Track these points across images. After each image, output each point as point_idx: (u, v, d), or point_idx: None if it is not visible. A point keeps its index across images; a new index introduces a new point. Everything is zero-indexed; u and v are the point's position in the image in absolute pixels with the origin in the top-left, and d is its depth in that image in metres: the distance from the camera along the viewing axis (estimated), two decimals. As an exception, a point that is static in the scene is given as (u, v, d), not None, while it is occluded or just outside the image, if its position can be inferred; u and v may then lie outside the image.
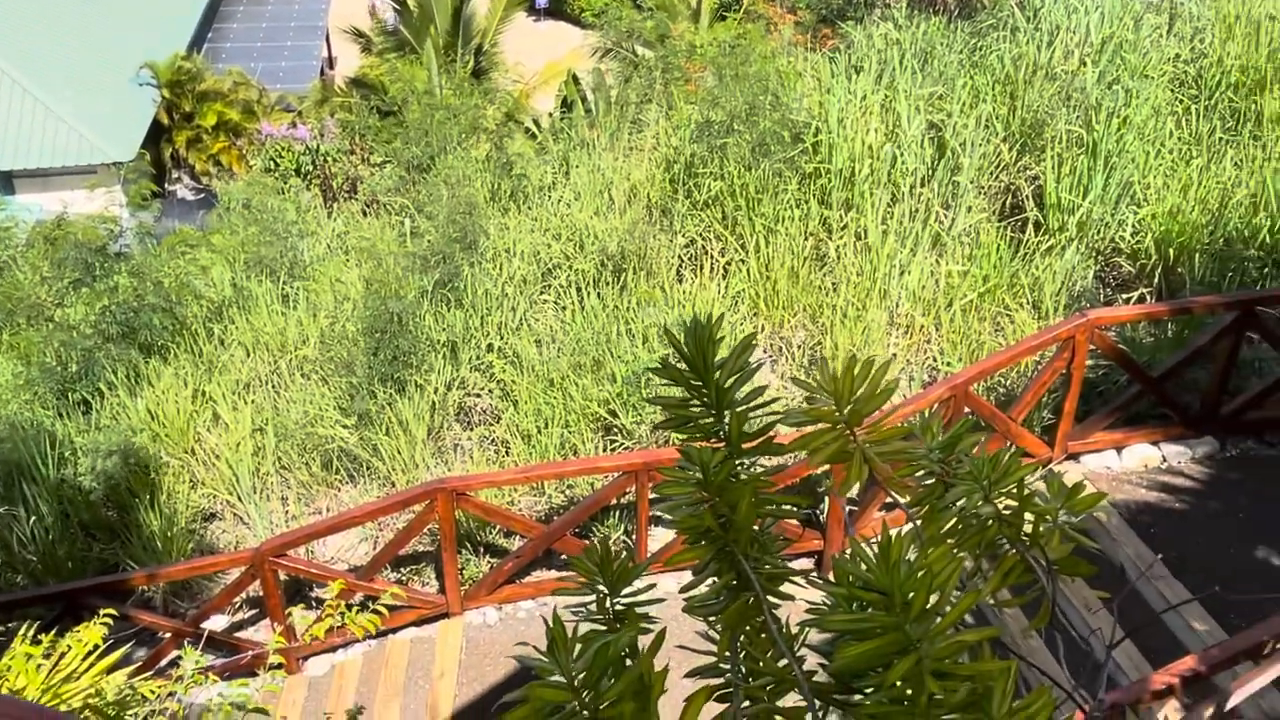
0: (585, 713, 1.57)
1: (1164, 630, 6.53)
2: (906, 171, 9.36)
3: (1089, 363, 7.72)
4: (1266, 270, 8.55)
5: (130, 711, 4.32)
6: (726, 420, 1.90)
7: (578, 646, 1.61)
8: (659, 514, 7.63)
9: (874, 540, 1.82)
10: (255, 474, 8.61)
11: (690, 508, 1.90)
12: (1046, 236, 9.07)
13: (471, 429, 8.85)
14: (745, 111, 9.86)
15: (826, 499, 7.70)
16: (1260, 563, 6.99)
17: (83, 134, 21.54)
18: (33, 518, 8.15)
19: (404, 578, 8.09)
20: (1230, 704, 5.69)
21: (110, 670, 5.22)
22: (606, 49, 18.52)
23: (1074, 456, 7.93)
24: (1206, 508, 7.51)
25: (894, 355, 8.71)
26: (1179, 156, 9.38)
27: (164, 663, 7.31)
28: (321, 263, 10.86)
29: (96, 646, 5.14)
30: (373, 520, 7.96)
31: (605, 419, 8.36)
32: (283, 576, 7.50)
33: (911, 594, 1.67)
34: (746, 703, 2.02)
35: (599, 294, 9.29)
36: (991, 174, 9.56)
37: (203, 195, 22.81)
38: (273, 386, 9.33)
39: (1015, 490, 2.00)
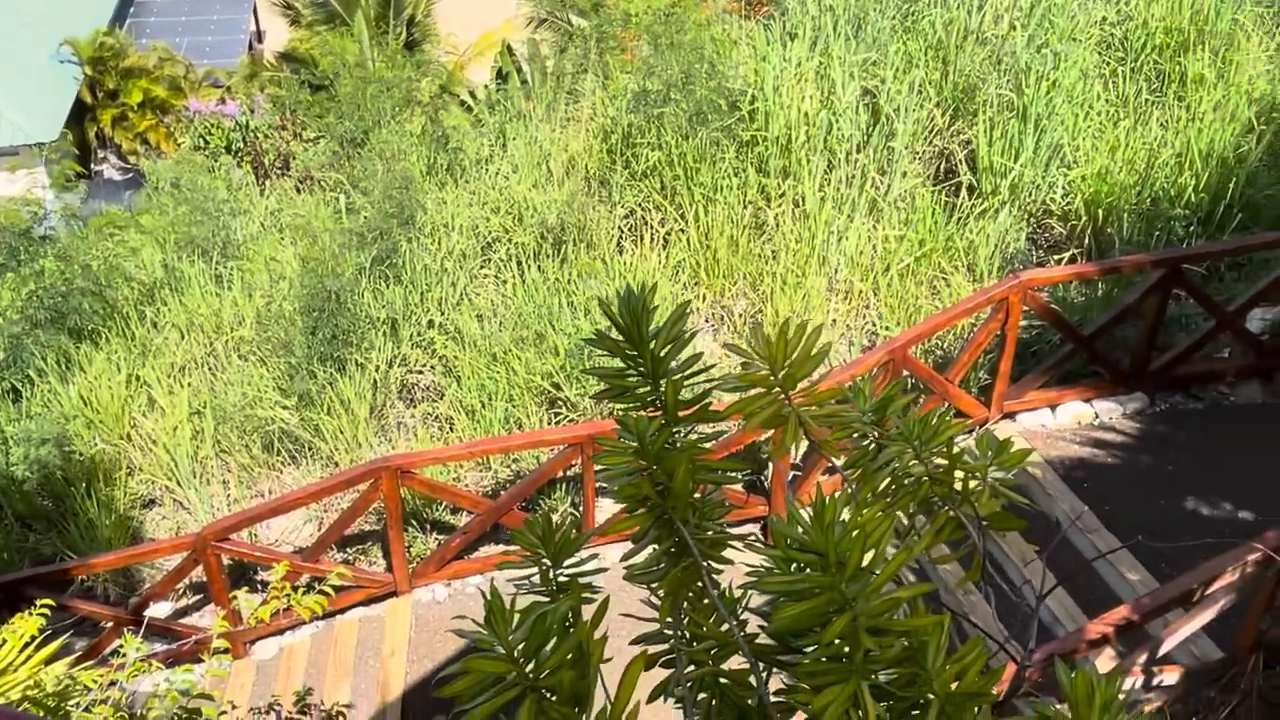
0: (525, 683, 1.58)
1: (1099, 582, 6.73)
2: (842, 138, 9.42)
3: (1023, 323, 7.87)
4: (1192, 229, 8.76)
5: (71, 702, 4.26)
6: (662, 389, 1.92)
7: (516, 617, 1.62)
8: (605, 485, 7.67)
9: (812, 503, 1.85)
10: (194, 458, 8.48)
11: (628, 476, 1.91)
12: (980, 200, 9.20)
13: (415, 406, 8.79)
14: (681, 80, 9.83)
15: (771, 465, 7.79)
16: (1189, 513, 7.21)
17: (1, 113, 20.84)
18: (-36, 510, 7.96)
19: (351, 558, 8.04)
20: (1163, 650, 5.89)
21: (50, 661, 5.14)
22: (541, 19, 18.34)
23: (1010, 415, 8.10)
24: (1138, 461, 7.72)
25: (834, 321, 8.80)
26: (1107, 118, 9.54)
27: (107, 652, 7.20)
28: (255, 241, 10.66)
29: (34, 638, 5.05)
30: (317, 501, 7.88)
31: (549, 392, 8.36)
32: (226, 561, 7.42)
33: (846, 554, 1.70)
34: (691, 667, 2.05)
35: (539, 267, 9.25)
36: (925, 139, 9.66)
37: (130, 175, 22.23)
38: (209, 369, 9.17)
39: (945, 449, 2.04)
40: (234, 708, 5.66)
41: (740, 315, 8.99)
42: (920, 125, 9.60)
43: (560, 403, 8.36)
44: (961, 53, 9.87)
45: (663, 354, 1.90)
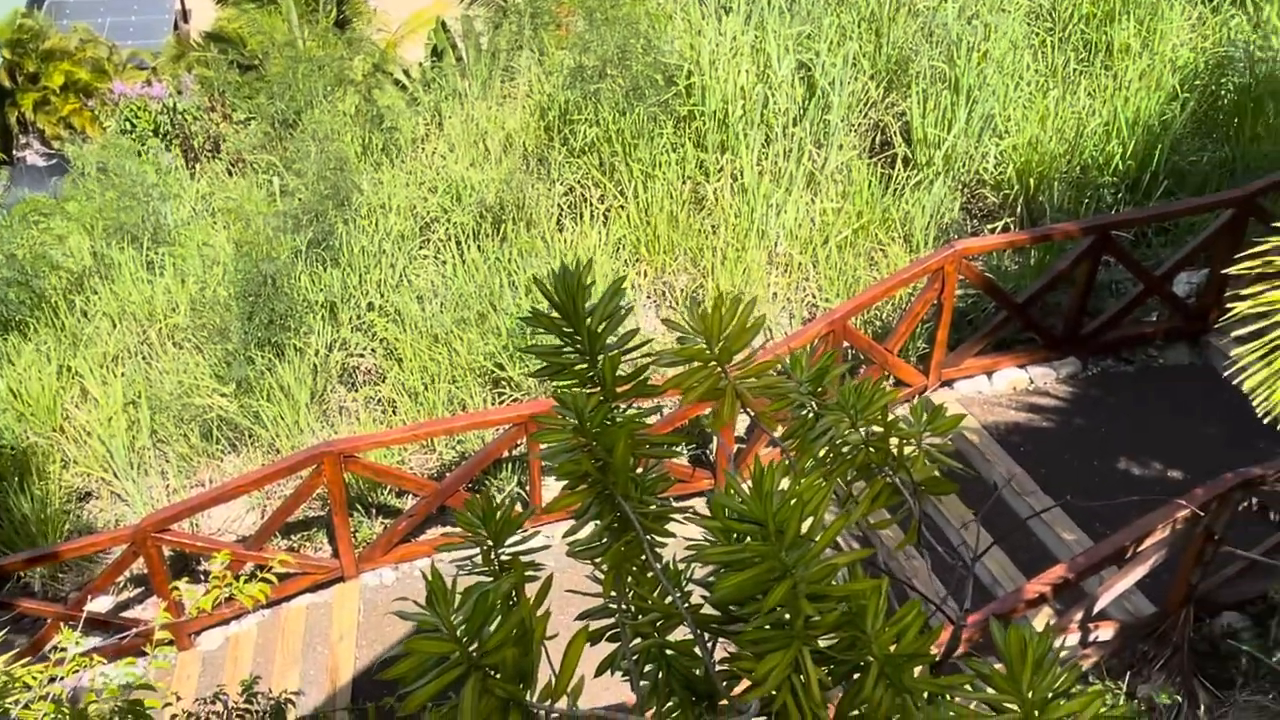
0: (468, 662, 1.58)
1: (1037, 543, 6.89)
2: (779, 112, 9.45)
3: (959, 292, 8.00)
4: (1120, 195, 8.95)
5: (10, 699, 4.17)
6: (600, 365, 1.92)
7: (459, 597, 1.62)
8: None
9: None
10: (131, 449, 8.32)
11: (568, 454, 1.92)
12: (915, 171, 9.31)
13: (356, 390, 8.70)
14: (617, 56, 9.79)
15: (716, 439, 7.84)
16: (1122, 473, 7.41)
17: (-85, 100, 20.14)
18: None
19: (296, 545, 7.96)
20: (1098, 607, 6.06)
21: (-13, 660, 5.02)
22: (475, -6, 18.08)
23: (948, 383, 8.23)
24: (1072, 424, 7.90)
25: (774, 294, 8.86)
26: (1036, 88, 9.68)
27: (47, 648, 7.05)
28: (187, 226, 10.44)
29: (-31, 637, 4.93)
30: (258, 489, 7.79)
31: (493, 372, 8.32)
32: (168, 552, 7.31)
33: (784, 522, 1.72)
34: (637, 640, 2.07)
35: (479, 246, 9.18)
36: (861, 111, 9.73)
37: (55, 161, 21.59)
38: (143, 358, 8.99)
39: (880, 417, 2.08)
40: (178, 699, 5.58)
41: (682, 291, 9.02)
42: (855, 98, 9.66)
43: (504, 382, 8.33)
44: (894, 25, 9.95)
45: (599, 330, 1.90)
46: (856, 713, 1.85)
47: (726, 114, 9.41)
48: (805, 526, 1.75)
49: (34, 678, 4.39)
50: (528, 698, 1.67)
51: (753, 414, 2.16)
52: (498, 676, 1.63)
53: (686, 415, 7.47)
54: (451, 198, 9.65)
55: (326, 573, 7.62)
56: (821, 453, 2.16)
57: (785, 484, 1.85)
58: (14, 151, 21.99)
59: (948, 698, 1.82)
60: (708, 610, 2.01)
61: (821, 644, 1.83)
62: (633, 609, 2.11)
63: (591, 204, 9.52)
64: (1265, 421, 4.90)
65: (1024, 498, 7.13)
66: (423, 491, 7.58)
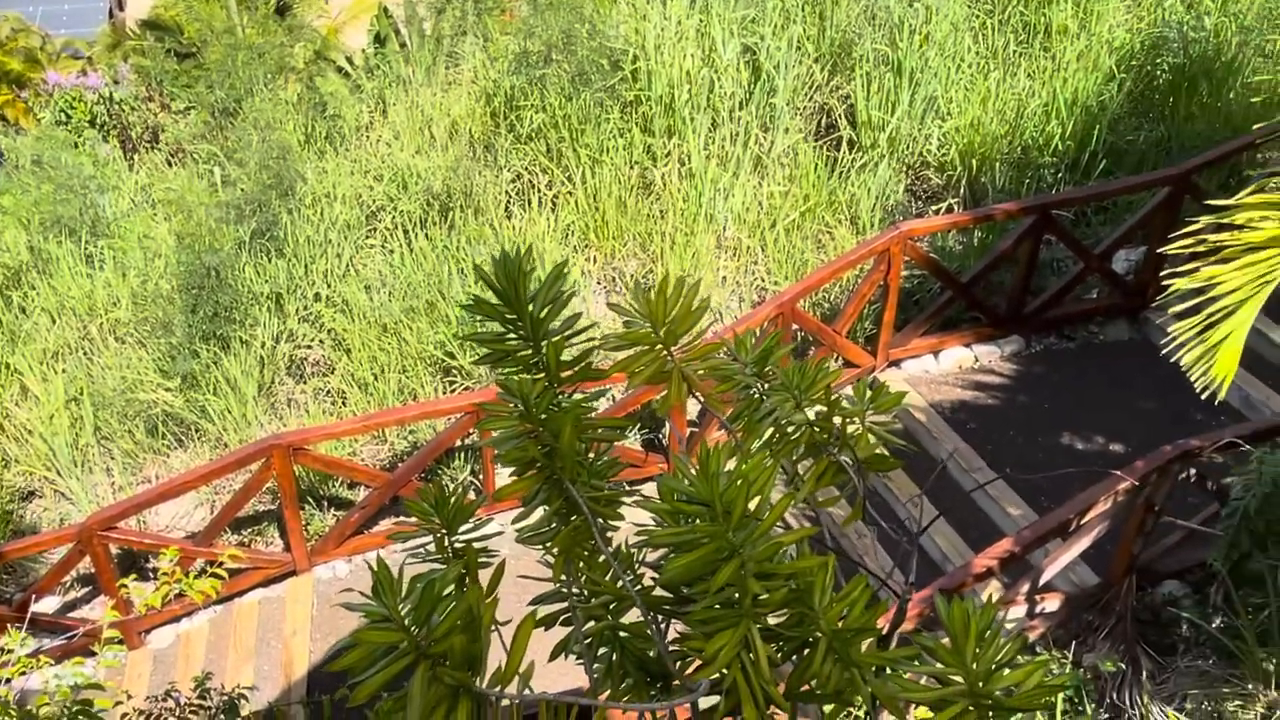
0: (416, 651, 1.58)
1: (985, 519, 7.02)
2: (725, 96, 9.47)
3: (905, 273, 8.09)
4: (1060, 175, 9.10)
5: (-46, 705, 4.10)
6: (544, 350, 1.93)
7: (406, 586, 1.62)
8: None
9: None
10: (74, 446, 8.16)
11: (515, 440, 1.92)
12: (860, 154, 9.38)
13: (305, 382, 8.60)
14: (562, 41, 9.74)
15: (668, 423, 7.87)
16: (1065, 448, 7.56)
17: None
18: None
19: (246, 539, 7.87)
20: (1044, 579, 6.19)
21: (-71, 665, 4.92)
22: (417, -20, 17.86)
23: (896, 363, 8.33)
24: (1016, 401, 8.04)
25: (724, 278, 8.90)
26: (977, 70, 9.79)
27: (-9, 652, 6.92)
28: (127, 219, 10.22)
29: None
30: (206, 484, 7.68)
31: (443, 361, 8.27)
32: (115, 550, 7.19)
33: (731, 502, 1.74)
34: (590, 623, 2.08)
35: (427, 234, 9.11)
36: (806, 95, 9.78)
37: (-14, 153, 21.04)
38: (84, 353, 8.81)
39: (824, 396, 2.10)
40: (130, 698, 5.51)
41: (631, 276, 9.02)
42: (800, 81, 9.71)
43: (455, 371, 8.28)
44: (837, 8, 10.00)
45: (542, 315, 1.91)
46: (806, 688, 1.88)
47: (673, 99, 9.41)
48: (752, 506, 1.77)
49: (-22, 681, 4.31)
50: (477, 684, 1.67)
51: (701, 397, 2.18)
52: (447, 664, 1.63)
53: (639, 400, 7.48)
54: (398, 186, 9.56)
55: (278, 567, 7.55)
56: (768, 433, 2.19)
57: (732, 465, 1.87)
58: (-56, 144, 21.37)
59: (895, 670, 1.85)
60: (660, 592, 2.03)
61: (770, 621, 1.85)
62: (585, 593, 2.12)
63: (540, 190, 9.48)
64: (1202, 395, 5.02)
65: (970, 474, 7.25)
66: (374, 482, 7.52)
